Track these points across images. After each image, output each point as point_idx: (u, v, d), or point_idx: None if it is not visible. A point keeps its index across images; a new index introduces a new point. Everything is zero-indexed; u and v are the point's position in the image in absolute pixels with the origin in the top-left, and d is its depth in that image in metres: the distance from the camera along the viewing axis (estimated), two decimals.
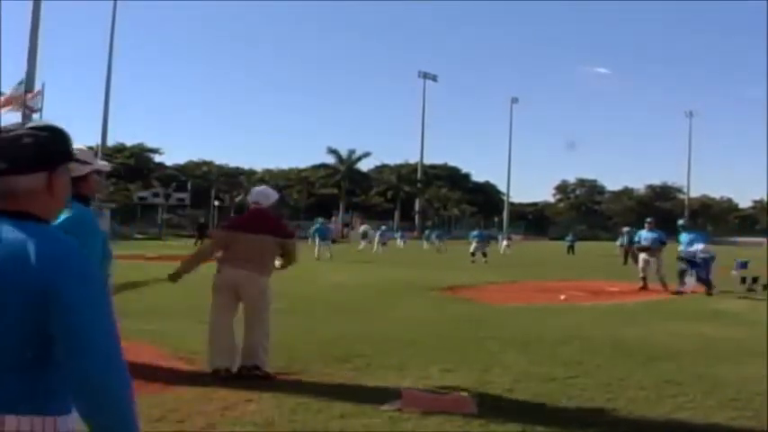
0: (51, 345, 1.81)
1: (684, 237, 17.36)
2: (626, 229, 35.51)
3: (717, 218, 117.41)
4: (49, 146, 1.91)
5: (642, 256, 18.54)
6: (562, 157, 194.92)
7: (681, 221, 18.24)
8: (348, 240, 58.36)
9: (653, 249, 18.19)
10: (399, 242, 51.52)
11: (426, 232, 52.25)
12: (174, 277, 7.47)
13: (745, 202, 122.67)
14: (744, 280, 17.06)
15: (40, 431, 1.82)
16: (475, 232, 35.13)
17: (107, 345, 1.83)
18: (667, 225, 20.09)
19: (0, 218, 1.85)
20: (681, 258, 16.91)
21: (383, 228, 48.16)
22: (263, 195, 7.24)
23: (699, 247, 16.75)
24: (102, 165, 4.59)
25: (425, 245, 47.31)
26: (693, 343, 9.46)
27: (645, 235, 18.73)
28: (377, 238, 43.98)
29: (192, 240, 43.19)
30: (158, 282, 16.74)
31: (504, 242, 45.70)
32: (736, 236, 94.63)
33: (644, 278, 18.14)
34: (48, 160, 1.90)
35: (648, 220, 19.50)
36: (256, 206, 7.16)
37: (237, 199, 77.45)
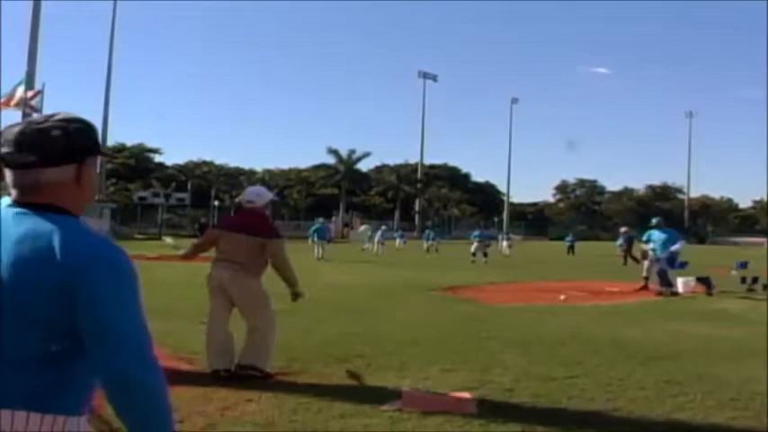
0: (77, 341, 1.80)
1: (657, 236, 17.39)
2: (623, 229, 35.50)
3: (717, 218, 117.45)
4: (79, 138, 1.90)
5: (651, 255, 18.51)
6: (562, 157, 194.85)
7: (654, 220, 18.07)
8: (348, 240, 58.35)
9: (664, 249, 18.20)
10: (399, 242, 51.39)
11: (426, 232, 52.19)
12: (183, 258, 7.88)
13: (745, 203, 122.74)
14: (744, 280, 17.06)
15: (48, 427, 1.81)
16: (476, 232, 35.14)
17: (140, 340, 1.82)
18: (668, 225, 20.01)
19: (29, 210, 1.84)
20: (658, 259, 16.93)
21: (383, 228, 48.12)
22: (256, 194, 7.20)
23: (678, 246, 16.79)
24: None
25: (425, 245, 47.26)
26: (693, 343, 9.46)
27: (657, 235, 18.72)
28: (376, 239, 43.96)
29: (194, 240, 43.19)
30: (158, 282, 16.77)
31: (505, 242, 45.61)
32: (737, 236, 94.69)
33: (646, 278, 18.13)
34: (77, 152, 1.89)
35: (659, 219, 19.49)
36: (250, 205, 7.13)
37: (237, 199, 77.54)
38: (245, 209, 7.20)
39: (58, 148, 1.85)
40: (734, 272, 17.20)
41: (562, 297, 15.14)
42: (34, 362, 1.81)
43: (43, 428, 1.80)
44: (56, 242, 1.78)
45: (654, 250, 17.25)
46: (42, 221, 1.81)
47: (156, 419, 1.82)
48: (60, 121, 1.89)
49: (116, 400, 1.80)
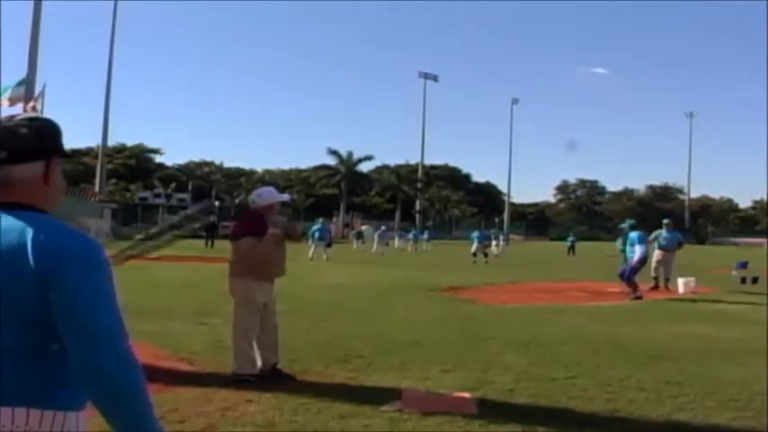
0: (57, 335, 1.81)
1: (664, 236, 17.46)
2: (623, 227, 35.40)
3: (717, 218, 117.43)
4: (46, 136, 1.93)
5: (656, 256, 18.56)
6: (563, 157, 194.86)
7: (628, 222, 17.92)
8: (349, 241, 58.33)
9: (670, 250, 18.29)
10: (397, 243, 51.34)
11: (413, 232, 52.26)
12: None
13: (745, 203, 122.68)
14: (744, 280, 17.06)
15: (48, 424, 1.82)
16: (476, 233, 35.17)
17: (114, 333, 1.82)
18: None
19: None
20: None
21: (382, 228, 48.12)
22: (257, 195, 7.09)
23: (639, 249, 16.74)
24: None
25: (409, 246, 47.34)
26: (693, 343, 9.47)
27: (664, 235, 18.79)
28: (376, 239, 43.97)
29: (200, 242, 43.00)
30: (159, 283, 16.79)
31: (494, 242, 45.19)
32: (737, 236, 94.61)
33: (656, 278, 18.19)
34: (44, 150, 1.92)
35: (666, 221, 19.57)
36: (252, 206, 7.08)
37: (238, 200, 77.45)
38: (248, 210, 7.18)
39: (28, 144, 1.88)
40: (734, 272, 17.21)
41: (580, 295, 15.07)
42: (31, 358, 1.82)
43: (43, 424, 1.81)
44: (28, 238, 1.80)
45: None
46: (12, 219, 1.83)
47: (134, 412, 1.82)
48: (25, 120, 1.94)
49: (93, 393, 1.81)
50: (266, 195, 7.05)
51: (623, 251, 17.05)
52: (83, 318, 1.78)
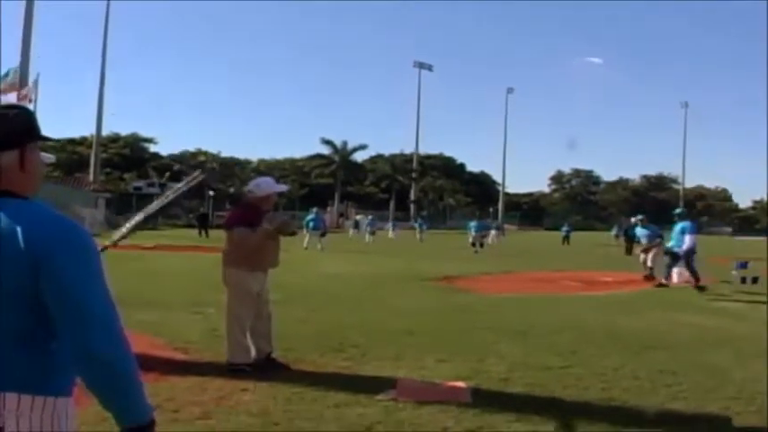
0: (50, 320, 1.82)
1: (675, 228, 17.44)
2: (633, 220, 35.51)
3: (712, 208, 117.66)
4: (18, 124, 1.94)
5: (637, 251, 18.64)
6: (557, 147, 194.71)
7: (679, 210, 17.94)
8: (344, 230, 58.34)
9: (649, 245, 18.30)
10: (391, 233, 51.30)
11: (419, 222, 52.15)
12: None
13: (745, 203, 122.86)
14: (744, 280, 17.08)
15: (39, 410, 1.83)
16: (473, 222, 35.23)
17: (105, 314, 1.83)
18: (663, 216, 20.09)
19: None
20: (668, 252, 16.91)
21: (370, 217, 48.17)
22: (254, 185, 7.03)
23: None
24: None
25: (421, 234, 47.28)
26: (688, 333, 9.50)
27: (639, 231, 18.83)
28: (366, 228, 44.03)
29: (195, 231, 42.98)
30: (154, 272, 16.77)
31: (493, 231, 45.23)
32: (737, 236, 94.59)
33: (651, 268, 18.26)
34: (17, 138, 1.92)
35: (640, 216, 19.51)
36: (249, 195, 7.04)
37: (231, 189, 77.35)
38: (243, 200, 7.14)
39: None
40: (734, 272, 17.21)
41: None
42: (21, 343, 1.83)
43: (34, 410, 1.82)
44: (14, 225, 1.81)
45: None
46: None
47: (127, 394, 1.84)
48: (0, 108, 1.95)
49: (86, 375, 1.83)
50: (264, 186, 7.00)
51: (631, 238, 17.04)
52: (75, 302, 1.79)
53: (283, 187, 7.45)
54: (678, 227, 16.57)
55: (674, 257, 16.32)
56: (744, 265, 17.35)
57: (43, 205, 1.92)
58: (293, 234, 7.27)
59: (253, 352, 6.70)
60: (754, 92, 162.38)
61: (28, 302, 1.81)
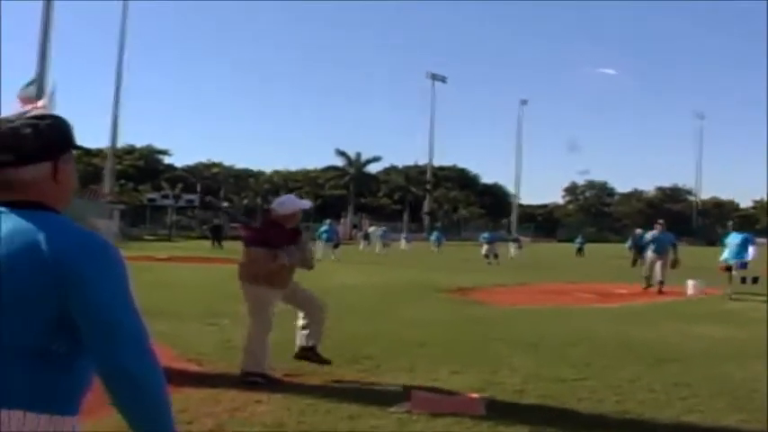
0: (74, 339, 1.80)
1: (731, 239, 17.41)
2: (639, 231, 35.46)
3: (727, 220, 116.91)
4: (51, 135, 1.90)
5: (650, 256, 18.55)
6: (571, 158, 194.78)
7: (732, 222, 18.13)
8: (357, 242, 58.36)
9: (661, 251, 18.20)
10: (404, 245, 51.20)
11: (435, 234, 52.01)
12: None
13: (745, 202, 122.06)
14: (744, 280, 16.99)
15: (44, 427, 1.80)
16: (485, 234, 35.15)
17: (136, 331, 1.82)
18: (678, 227, 20.04)
19: (10, 209, 1.84)
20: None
21: (383, 229, 48.15)
22: (278, 204, 7.12)
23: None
24: None
25: (438, 247, 47.19)
26: (703, 344, 9.44)
27: (656, 236, 18.74)
28: (378, 240, 44.02)
29: (208, 243, 43.07)
30: (167, 283, 16.82)
31: (512, 245, 45.25)
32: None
33: (647, 278, 18.18)
34: (50, 149, 1.89)
35: (660, 221, 19.48)
36: (275, 215, 7.08)
37: (245, 201, 77.57)
38: (268, 218, 7.19)
39: (30, 146, 1.85)
40: (734, 272, 17.12)
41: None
42: (33, 360, 1.81)
43: (40, 429, 1.80)
44: (42, 238, 1.79)
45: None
46: (24, 220, 1.82)
47: (155, 411, 1.83)
48: (32, 118, 1.90)
49: (115, 392, 1.80)
50: (288, 204, 7.08)
51: (639, 249, 17.04)
52: (105, 317, 1.78)
53: (306, 204, 7.48)
54: (737, 238, 16.59)
55: (729, 270, 16.47)
56: (744, 265, 17.24)
57: (70, 220, 1.90)
58: (311, 269, 7.30)
59: (267, 363, 6.71)
60: (757, 93, 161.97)
61: (47, 317, 1.79)
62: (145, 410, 1.82)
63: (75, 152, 2.00)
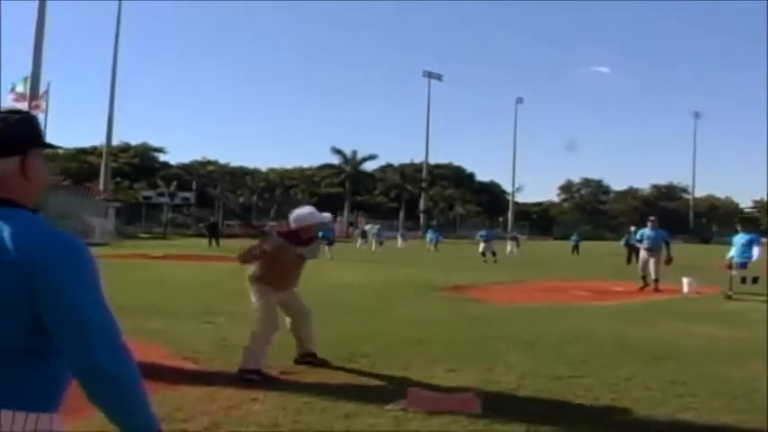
0: (49, 336, 1.78)
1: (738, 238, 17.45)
2: (633, 228, 35.50)
3: (723, 218, 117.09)
4: (19, 130, 1.89)
5: (642, 255, 18.56)
6: (567, 156, 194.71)
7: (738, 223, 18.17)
8: (352, 239, 58.31)
9: (654, 249, 18.20)
10: (401, 243, 51.15)
11: (430, 233, 51.99)
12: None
13: (745, 202, 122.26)
14: (744, 280, 17.02)
15: (21, 425, 1.79)
16: (482, 232, 35.15)
17: (108, 328, 1.80)
18: (673, 225, 20.07)
19: None
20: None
21: (377, 227, 48.14)
22: (293, 219, 7.30)
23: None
24: None
25: (436, 246, 47.19)
26: (699, 343, 9.44)
27: (647, 233, 18.72)
28: (374, 238, 44.02)
29: (205, 241, 43.01)
30: (163, 282, 16.80)
31: (509, 242, 45.42)
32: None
33: (644, 277, 18.16)
34: (19, 144, 1.88)
35: (651, 218, 19.45)
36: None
37: (241, 199, 77.51)
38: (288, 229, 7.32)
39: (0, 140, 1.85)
40: (734, 272, 17.14)
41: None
42: (11, 359, 1.80)
43: (27, 427, 1.79)
44: (8, 235, 1.77)
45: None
46: None
47: (132, 405, 1.82)
48: (1, 113, 1.90)
49: (90, 389, 1.79)
50: (301, 219, 7.24)
51: (631, 247, 17.05)
52: (75, 315, 1.76)
53: (325, 217, 7.64)
54: (744, 238, 16.64)
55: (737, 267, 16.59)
56: (744, 265, 17.28)
57: (38, 217, 1.88)
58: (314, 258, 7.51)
59: (264, 361, 6.76)
60: (756, 93, 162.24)
61: (18, 316, 1.77)
62: (122, 406, 1.81)
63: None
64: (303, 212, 7.38)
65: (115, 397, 1.80)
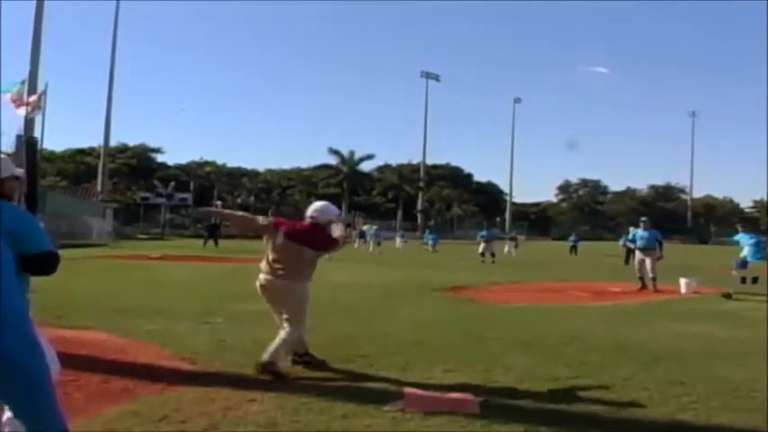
0: None
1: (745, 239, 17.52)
2: (632, 228, 35.56)
3: (720, 218, 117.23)
4: None
5: (638, 255, 18.58)
6: (565, 156, 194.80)
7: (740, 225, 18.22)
8: (352, 240, 58.27)
9: (648, 249, 18.22)
10: (399, 243, 51.12)
11: (427, 233, 52.06)
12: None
13: (745, 203, 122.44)
14: (744, 280, 17.05)
15: None
16: (483, 232, 35.18)
17: (17, 315, 1.77)
18: (671, 225, 20.13)
19: None
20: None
21: (375, 227, 48.15)
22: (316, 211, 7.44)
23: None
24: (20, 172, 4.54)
25: (434, 246, 47.19)
26: (697, 343, 9.44)
27: (640, 234, 18.74)
28: (371, 238, 44.04)
29: (201, 241, 42.98)
30: (161, 282, 16.78)
31: (508, 243, 45.49)
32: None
33: (641, 278, 18.18)
34: None
35: (643, 219, 19.45)
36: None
37: (239, 199, 77.48)
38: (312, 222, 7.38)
39: None
40: (734, 272, 17.17)
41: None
42: None
43: None
44: None
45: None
46: None
47: (41, 401, 1.76)
48: None
49: (2, 384, 1.74)
50: (326, 213, 7.46)
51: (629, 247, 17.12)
52: None
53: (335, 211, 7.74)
54: (754, 238, 16.74)
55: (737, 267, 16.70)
56: (744, 265, 17.32)
57: None
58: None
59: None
60: (754, 92, 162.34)
61: None
62: (30, 397, 1.75)
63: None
64: (323, 206, 7.59)
65: (23, 387, 1.74)
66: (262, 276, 7.17)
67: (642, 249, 18.34)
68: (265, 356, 6.71)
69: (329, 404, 5.72)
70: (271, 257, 7.14)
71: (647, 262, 18.06)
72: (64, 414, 1.80)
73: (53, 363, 2.58)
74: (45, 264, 3.68)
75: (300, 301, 7.13)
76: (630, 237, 19.21)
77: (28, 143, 3.93)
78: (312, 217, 7.37)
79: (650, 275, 17.89)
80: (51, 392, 1.78)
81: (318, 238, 7.28)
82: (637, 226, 19.88)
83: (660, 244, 18.52)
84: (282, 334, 6.94)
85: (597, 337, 9.69)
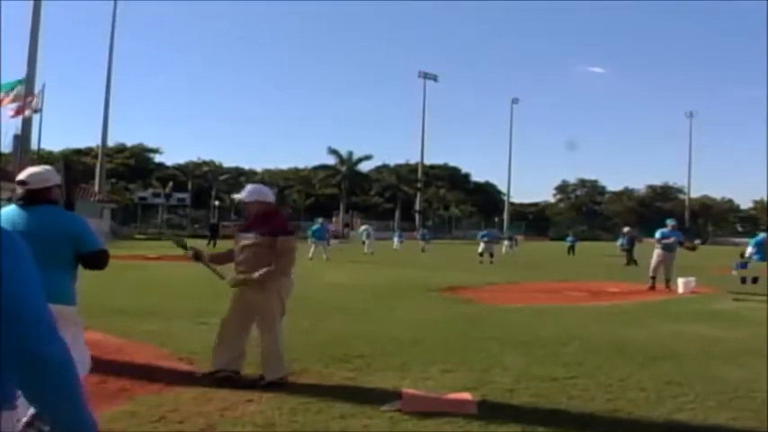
0: None
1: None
2: (626, 229, 35.57)
3: (718, 218, 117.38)
4: None
5: (658, 254, 18.63)
6: (562, 157, 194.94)
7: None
8: (348, 240, 58.22)
9: (673, 249, 18.46)
10: (396, 243, 51.04)
11: (421, 231, 52.08)
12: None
13: (745, 203, 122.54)
14: (744, 280, 17.07)
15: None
16: (483, 232, 35.18)
17: (46, 317, 1.76)
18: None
19: None
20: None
21: (364, 227, 48.09)
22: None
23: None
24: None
25: (426, 245, 47.19)
26: (694, 343, 9.45)
27: (667, 233, 18.97)
28: (364, 238, 44.03)
29: (204, 241, 42.89)
30: (159, 282, 16.77)
31: (506, 242, 45.48)
32: (738, 236, 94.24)
33: (653, 278, 18.24)
34: None
35: (670, 221, 19.83)
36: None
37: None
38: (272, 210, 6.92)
39: None
40: (734, 272, 17.20)
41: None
42: None
43: None
44: None
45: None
46: None
47: (69, 395, 1.76)
48: None
49: (28, 379, 1.73)
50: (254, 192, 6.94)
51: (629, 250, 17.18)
52: (15, 303, 1.71)
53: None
54: (762, 237, 16.84)
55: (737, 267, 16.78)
56: (744, 266, 17.35)
57: None
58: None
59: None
60: (753, 92, 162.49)
61: None
62: (62, 401, 1.75)
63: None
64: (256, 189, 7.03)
65: (55, 390, 1.73)
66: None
67: (667, 249, 18.54)
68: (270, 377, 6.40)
69: (327, 404, 5.73)
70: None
71: (669, 262, 18.32)
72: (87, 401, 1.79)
73: (79, 364, 2.57)
74: (99, 260, 4.85)
75: (284, 299, 6.69)
76: (659, 236, 19.28)
77: (66, 165, 4.20)
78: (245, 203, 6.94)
79: (668, 276, 18.11)
80: (82, 392, 1.78)
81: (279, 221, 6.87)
82: (634, 226, 20.02)
83: (681, 244, 18.92)
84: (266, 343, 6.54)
85: (594, 338, 9.70)
